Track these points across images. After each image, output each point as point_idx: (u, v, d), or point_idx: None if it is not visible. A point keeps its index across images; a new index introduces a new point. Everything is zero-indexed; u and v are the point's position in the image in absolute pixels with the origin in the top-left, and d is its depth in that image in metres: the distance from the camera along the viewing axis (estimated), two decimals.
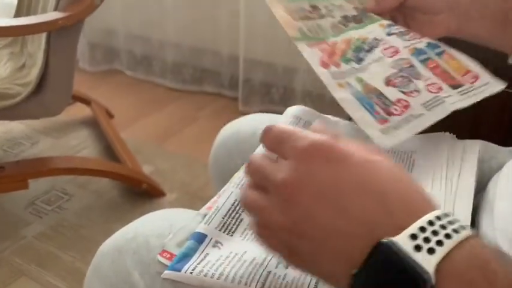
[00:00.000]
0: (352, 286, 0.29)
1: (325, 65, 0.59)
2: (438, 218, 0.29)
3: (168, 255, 0.47)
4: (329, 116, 0.66)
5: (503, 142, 0.63)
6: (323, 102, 1.99)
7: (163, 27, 2.19)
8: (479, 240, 0.29)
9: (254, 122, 0.72)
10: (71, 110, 1.78)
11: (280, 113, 0.66)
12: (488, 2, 0.60)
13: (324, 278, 0.33)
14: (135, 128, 1.92)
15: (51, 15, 1.17)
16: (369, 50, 0.62)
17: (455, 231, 0.28)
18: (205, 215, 0.51)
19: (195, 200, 1.47)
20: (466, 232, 0.28)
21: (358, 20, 0.66)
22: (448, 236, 0.28)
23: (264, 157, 0.35)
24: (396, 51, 0.61)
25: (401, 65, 0.60)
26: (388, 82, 0.58)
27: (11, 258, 1.24)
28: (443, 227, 0.28)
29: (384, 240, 0.28)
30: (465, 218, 0.46)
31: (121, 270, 0.48)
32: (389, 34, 0.63)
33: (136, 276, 0.47)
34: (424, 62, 0.61)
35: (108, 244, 0.52)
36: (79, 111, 1.94)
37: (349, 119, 0.57)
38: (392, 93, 0.57)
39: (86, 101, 1.94)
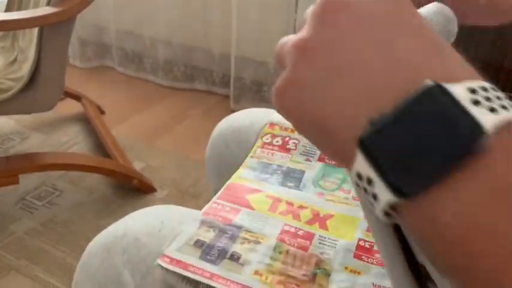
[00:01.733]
0: (365, 141, 0.21)
1: None
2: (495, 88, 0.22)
3: (168, 260, 0.48)
4: None
5: None
6: None
7: (155, 24, 2.19)
8: None
9: (251, 115, 0.73)
10: (61, 106, 1.77)
11: None
12: None
13: (324, 126, 0.24)
14: (126, 125, 1.92)
15: (44, 10, 1.17)
16: None
17: None
18: (201, 221, 0.53)
19: (185, 196, 1.48)
20: None
21: None
22: None
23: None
24: None
25: None
26: None
27: (0, 254, 1.23)
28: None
29: (437, 82, 0.21)
30: None
31: (110, 269, 0.48)
32: None
33: (126, 275, 0.46)
34: None
35: (97, 243, 0.51)
36: (70, 107, 1.93)
37: None
38: None
39: (77, 97, 1.94)
